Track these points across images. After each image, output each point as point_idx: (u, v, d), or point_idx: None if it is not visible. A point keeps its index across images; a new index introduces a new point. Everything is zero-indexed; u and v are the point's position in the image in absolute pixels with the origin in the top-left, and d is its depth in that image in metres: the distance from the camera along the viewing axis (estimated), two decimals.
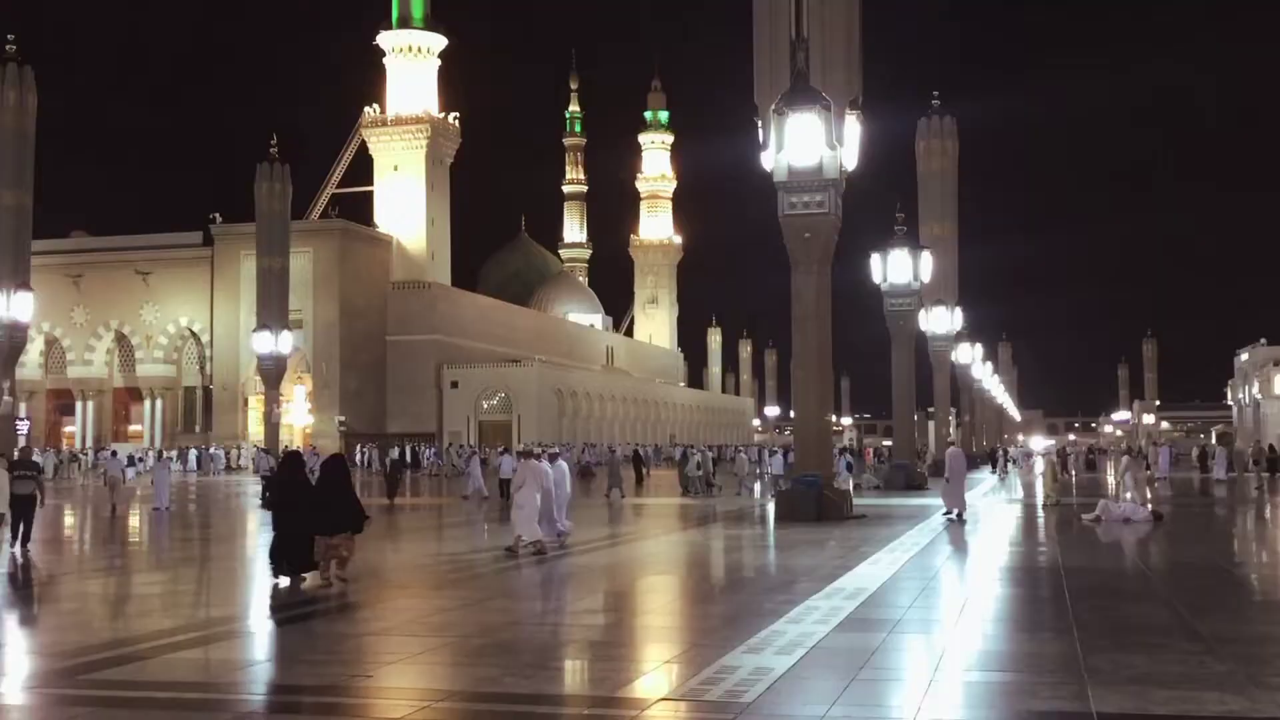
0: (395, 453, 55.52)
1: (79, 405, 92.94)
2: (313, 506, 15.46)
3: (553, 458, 21.27)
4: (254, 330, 70.75)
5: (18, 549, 19.22)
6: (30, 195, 52.58)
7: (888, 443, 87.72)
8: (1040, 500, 31.50)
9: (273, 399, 69.30)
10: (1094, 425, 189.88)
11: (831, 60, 26.81)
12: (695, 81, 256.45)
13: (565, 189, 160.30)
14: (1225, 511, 31.58)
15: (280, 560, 15.29)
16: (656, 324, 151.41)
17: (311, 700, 8.80)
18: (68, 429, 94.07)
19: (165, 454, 39.68)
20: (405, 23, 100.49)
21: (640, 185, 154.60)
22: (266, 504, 16.42)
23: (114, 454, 40.18)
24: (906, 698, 8.78)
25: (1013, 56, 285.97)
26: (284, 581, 15.11)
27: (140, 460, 57.06)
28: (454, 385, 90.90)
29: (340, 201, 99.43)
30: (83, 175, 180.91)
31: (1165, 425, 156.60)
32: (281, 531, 15.46)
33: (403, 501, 35.96)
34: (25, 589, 16.21)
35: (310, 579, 15.20)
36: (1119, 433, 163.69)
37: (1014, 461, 66.00)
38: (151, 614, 13.76)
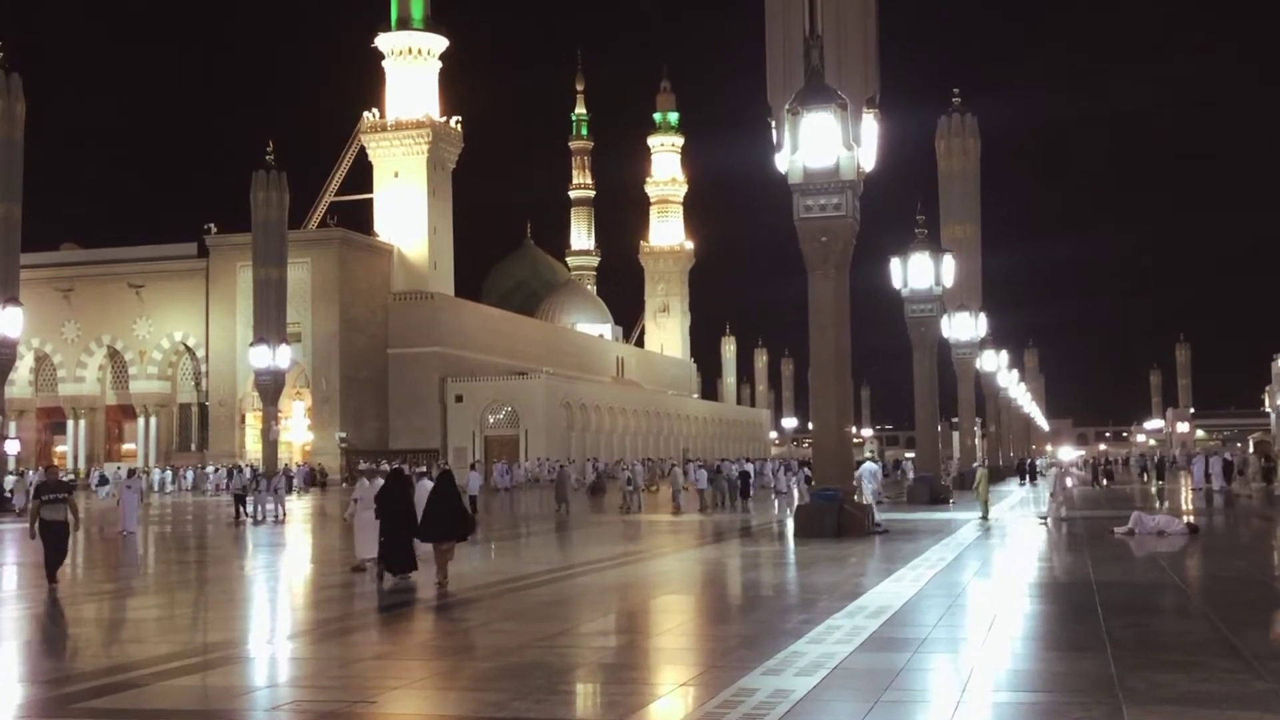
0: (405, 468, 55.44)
1: (70, 424, 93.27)
2: (423, 517, 17.65)
3: (373, 475, 22.28)
4: (251, 344, 70.89)
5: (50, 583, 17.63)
6: (19, 206, 52.81)
7: (910, 455, 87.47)
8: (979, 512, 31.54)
9: (271, 415, 69.43)
10: (1126, 434, 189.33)
11: (847, 57, 26.82)
12: (706, 81, 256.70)
13: (572, 194, 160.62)
14: (1262, 523, 31.43)
15: (387, 562, 17.69)
16: (668, 333, 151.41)
17: None
18: (59, 448, 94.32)
19: (133, 474, 39.74)
20: (405, 24, 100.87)
21: (650, 189, 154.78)
22: (377, 514, 18.33)
23: (131, 473, 40.56)
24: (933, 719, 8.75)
25: (1037, 51, 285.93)
26: (400, 579, 17.53)
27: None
28: (459, 399, 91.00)
29: (339, 210, 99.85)
30: (73, 186, 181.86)
31: (1200, 433, 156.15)
32: (388, 538, 17.72)
33: None
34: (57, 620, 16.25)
35: (414, 578, 17.54)
36: (1152, 442, 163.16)
37: (1042, 473, 65.79)
38: (148, 639, 13.78)
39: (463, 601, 16.46)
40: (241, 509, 37.07)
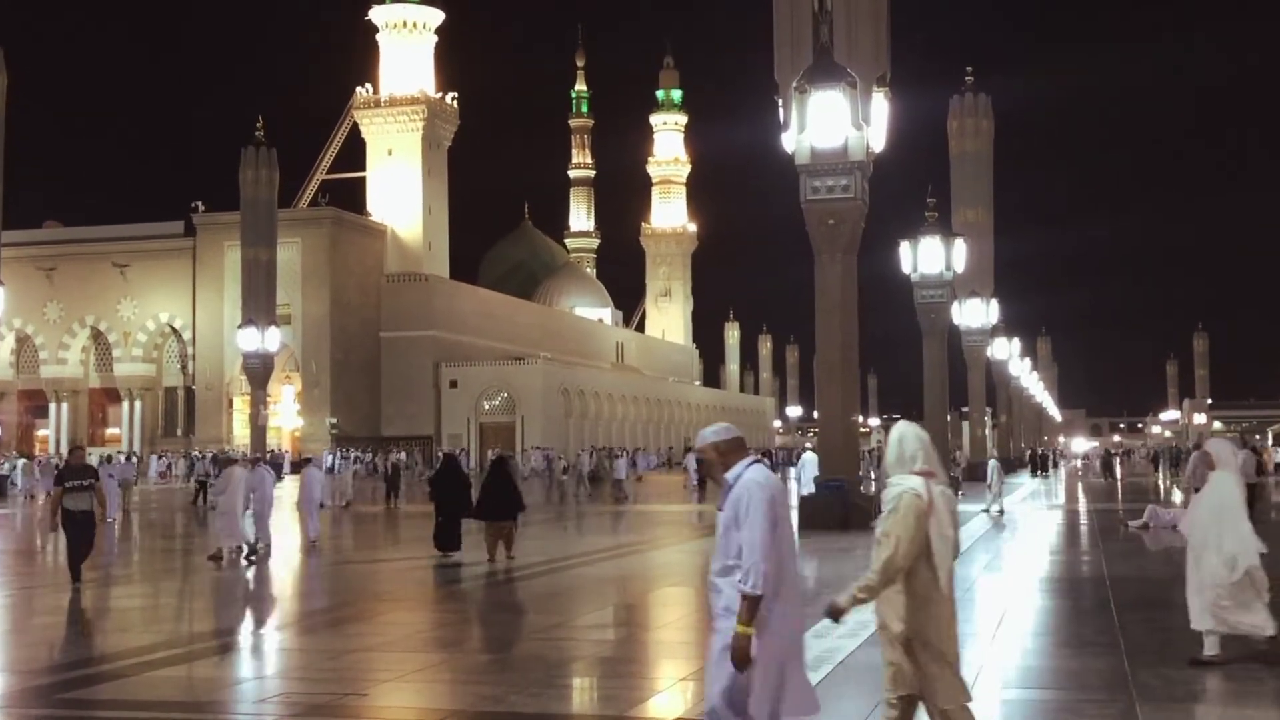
0: (400, 457, 55.67)
1: (52, 407, 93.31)
2: (480, 498, 19.85)
3: (254, 463, 23.69)
4: (239, 326, 70.79)
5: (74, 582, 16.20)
6: (0, 182, 52.75)
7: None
8: None
9: (259, 400, 69.42)
10: (1141, 425, 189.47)
11: (857, 33, 26.74)
12: (710, 58, 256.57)
13: (571, 174, 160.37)
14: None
15: (441, 540, 19.87)
16: (669, 318, 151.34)
17: None
18: (41, 432, 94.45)
19: (111, 460, 39.86)
20: None
21: (652, 170, 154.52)
22: (430, 496, 20.90)
23: (127, 458, 40.42)
24: None
25: (1053, 28, 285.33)
26: (444, 556, 19.62)
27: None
28: (453, 385, 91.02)
29: (331, 188, 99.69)
30: (57, 162, 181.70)
31: (1218, 425, 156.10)
32: (443, 517, 19.95)
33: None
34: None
35: (459, 555, 19.71)
36: (1167, 433, 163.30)
37: (1054, 465, 65.92)
38: (133, 629, 13.82)
39: (456, 593, 16.51)
40: (202, 497, 37.13)
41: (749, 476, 5.95)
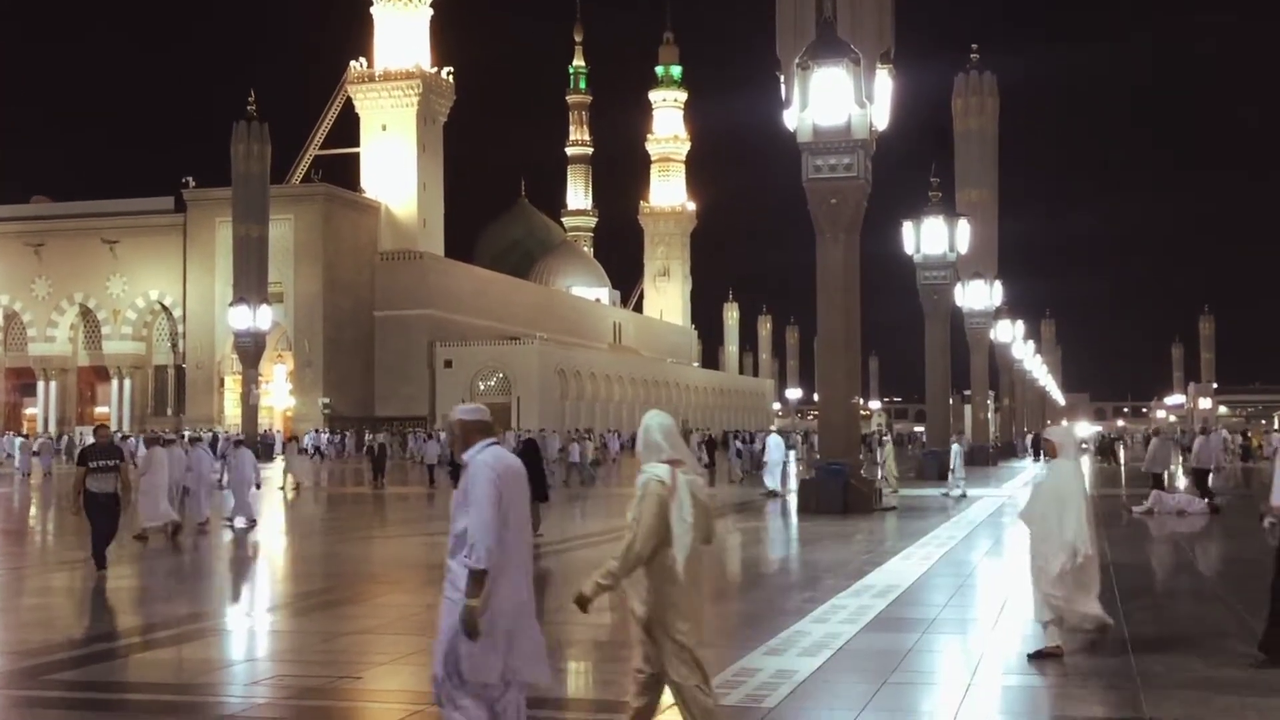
0: (382, 437, 55.78)
1: (41, 385, 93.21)
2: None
3: (194, 442, 24.34)
4: (230, 304, 70.87)
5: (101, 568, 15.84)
6: None
7: (919, 429, 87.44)
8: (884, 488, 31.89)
9: (250, 379, 69.44)
10: (1145, 410, 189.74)
11: (861, 9, 26.68)
12: (711, 34, 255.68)
13: (569, 151, 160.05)
14: None
15: None
16: (668, 298, 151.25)
17: (295, 704, 8.84)
18: (29, 410, 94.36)
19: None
20: None
21: (651, 147, 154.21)
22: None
23: (125, 438, 40.48)
24: (941, 702, 8.79)
25: (1060, 5, 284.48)
26: None
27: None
28: (448, 365, 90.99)
29: (324, 164, 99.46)
30: (45, 137, 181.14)
31: (1223, 409, 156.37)
32: None
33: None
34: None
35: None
36: (1172, 418, 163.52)
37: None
38: (122, 610, 13.84)
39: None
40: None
41: (480, 458, 6.24)
